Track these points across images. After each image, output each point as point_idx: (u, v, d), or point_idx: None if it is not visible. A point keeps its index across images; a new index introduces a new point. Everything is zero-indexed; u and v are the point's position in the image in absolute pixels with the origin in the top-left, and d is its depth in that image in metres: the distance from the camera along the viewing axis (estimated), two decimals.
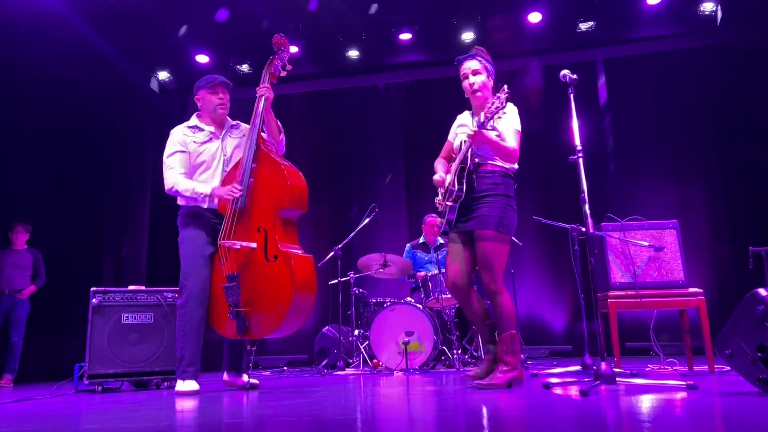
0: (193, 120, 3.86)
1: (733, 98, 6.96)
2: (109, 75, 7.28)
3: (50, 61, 6.82)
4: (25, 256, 6.45)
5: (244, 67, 7.53)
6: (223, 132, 3.86)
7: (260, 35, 7.13)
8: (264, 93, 3.73)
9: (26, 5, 6.04)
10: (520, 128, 3.29)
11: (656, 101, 7.20)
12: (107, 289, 4.40)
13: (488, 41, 6.97)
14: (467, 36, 7.11)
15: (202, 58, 7.45)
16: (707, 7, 6.69)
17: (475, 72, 3.33)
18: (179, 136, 3.77)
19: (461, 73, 3.38)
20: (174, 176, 3.67)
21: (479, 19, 6.98)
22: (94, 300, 4.29)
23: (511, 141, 3.22)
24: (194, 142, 3.77)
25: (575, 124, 3.14)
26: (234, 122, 3.96)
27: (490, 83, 3.37)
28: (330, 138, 8.01)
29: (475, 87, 3.32)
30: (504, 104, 3.01)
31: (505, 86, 3.03)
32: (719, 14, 6.72)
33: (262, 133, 3.81)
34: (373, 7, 6.81)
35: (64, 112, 7.44)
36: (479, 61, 3.34)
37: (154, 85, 7.89)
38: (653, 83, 7.23)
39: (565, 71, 3.19)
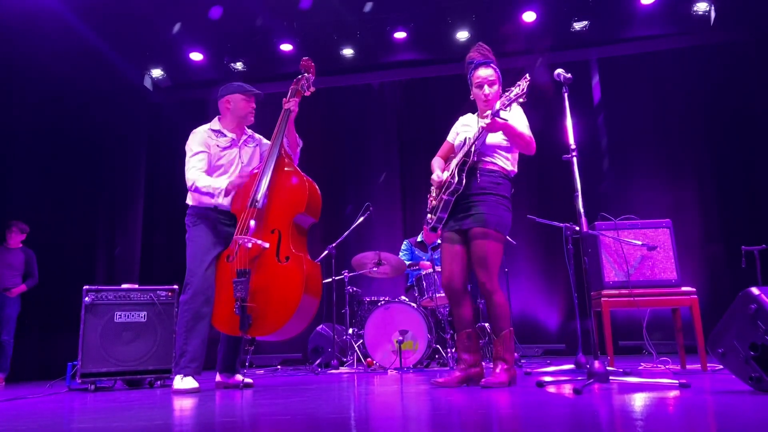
0: (216, 124, 3.91)
1: (726, 97, 7.00)
2: (103, 73, 7.26)
3: (43, 58, 6.78)
4: (18, 255, 6.40)
5: (238, 65, 7.52)
6: (241, 141, 3.94)
7: (254, 33, 7.12)
8: (291, 107, 3.87)
9: (19, 3, 6.00)
10: (528, 125, 3.30)
11: (650, 100, 7.22)
12: (100, 287, 4.38)
13: (483, 40, 6.97)
14: (462, 35, 7.11)
15: (196, 56, 7.43)
16: (701, 7, 6.71)
17: (492, 83, 3.28)
18: (203, 137, 3.82)
19: (475, 81, 3.31)
20: (195, 174, 3.71)
21: (474, 18, 6.98)
22: (87, 298, 4.27)
23: (527, 132, 3.21)
24: (217, 145, 3.84)
25: (569, 123, 3.14)
26: (250, 132, 4.04)
27: (500, 90, 3.32)
28: (324, 136, 7.99)
29: (490, 98, 3.28)
30: (525, 92, 2.96)
31: (527, 74, 2.99)
32: (713, 14, 6.74)
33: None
34: (368, 6, 6.80)
35: (57, 109, 7.40)
36: (494, 69, 3.31)
37: (147, 83, 7.86)
38: (647, 83, 7.26)
39: (560, 70, 3.18)
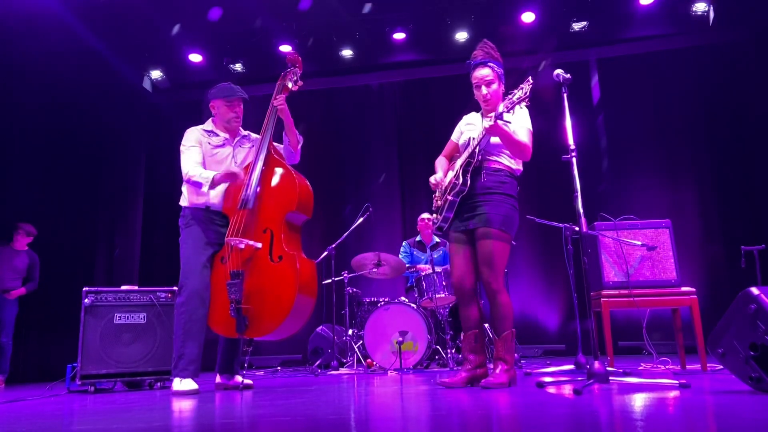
0: (209, 125, 3.92)
1: (725, 98, 7.00)
2: (102, 74, 7.25)
3: (43, 60, 6.78)
4: (23, 258, 6.35)
5: (237, 66, 7.52)
6: (235, 141, 3.93)
7: (253, 34, 7.11)
8: (277, 104, 3.84)
9: (17, 3, 5.99)
10: (531, 128, 3.27)
11: (649, 101, 7.23)
12: (100, 289, 4.38)
13: (481, 41, 6.98)
14: (461, 36, 7.11)
15: (196, 57, 7.43)
16: (699, 8, 6.72)
17: (489, 83, 3.27)
18: (196, 136, 3.83)
19: (474, 82, 3.32)
20: (189, 165, 3.70)
21: (473, 18, 6.98)
22: (86, 300, 4.26)
23: (525, 137, 3.19)
24: (209, 144, 3.83)
25: (568, 123, 3.14)
26: (245, 132, 4.01)
27: (501, 89, 3.32)
28: (323, 137, 7.99)
29: (488, 98, 3.28)
30: (528, 95, 2.98)
31: (530, 77, 3.00)
32: (711, 14, 6.75)
33: (275, 143, 3.92)
34: (367, 7, 6.80)
35: (56, 111, 7.40)
36: (491, 68, 3.28)
37: (147, 85, 7.85)
38: (646, 83, 7.26)
39: (559, 71, 3.18)
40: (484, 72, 3.29)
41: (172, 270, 3.73)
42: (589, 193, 3.28)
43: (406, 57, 7.61)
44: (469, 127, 3.42)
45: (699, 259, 6.71)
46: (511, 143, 3.14)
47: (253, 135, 4.06)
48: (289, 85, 3.92)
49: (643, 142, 7.16)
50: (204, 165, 3.77)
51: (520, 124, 3.23)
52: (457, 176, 3.22)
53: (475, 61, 3.33)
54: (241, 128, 3.98)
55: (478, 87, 3.30)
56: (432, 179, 3.40)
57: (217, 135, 3.87)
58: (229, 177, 3.65)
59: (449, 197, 3.25)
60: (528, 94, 2.98)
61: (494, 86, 3.28)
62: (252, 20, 6.95)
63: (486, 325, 5.15)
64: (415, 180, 7.63)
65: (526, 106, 3.12)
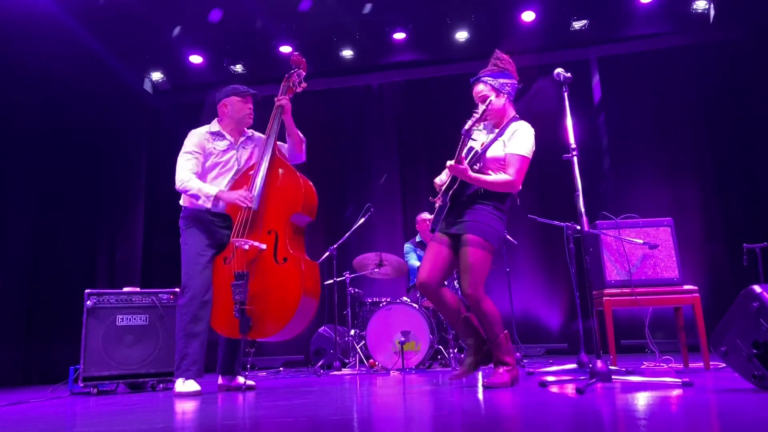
0: (215, 126, 3.89)
1: (726, 96, 6.99)
2: (102, 76, 7.25)
3: (43, 62, 6.78)
4: None
5: (238, 68, 7.51)
6: (239, 143, 3.91)
7: (254, 35, 7.12)
8: (282, 103, 3.84)
9: (15, 5, 6.00)
10: (529, 152, 3.21)
11: (650, 99, 7.21)
12: (102, 291, 4.39)
13: (482, 40, 6.98)
14: (461, 35, 7.10)
15: (196, 59, 7.43)
16: (700, 5, 6.70)
17: (483, 98, 3.27)
18: (200, 139, 3.80)
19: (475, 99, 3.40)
20: (186, 174, 3.68)
21: (473, 18, 6.97)
22: (88, 302, 4.27)
23: (510, 169, 3.16)
24: (214, 148, 3.81)
25: (569, 122, 3.14)
26: (249, 133, 4.00)
27: (501, 100, 3.31)
28: (324, 138, 7.97)
29: (486, 115, 3.28)
30: (482, 117, 3.11)
31: (491, 98, 3.14)
32: (712, 12, 6.74)
33: (278, 142, 3.91)
34: (367, 7, 6.80)
35: (56, 113, 7.40)
36: (484, 82, 3.32)
37: (147, 86, 7.85)
38: (647, 81, 7.25)
39: (559, 70, 3.19)
40: (478, 88, 3.36)
41: (174, 272, 3.74)
42: (590, 192, 3.27)
43: (406, 57, 7.59)
44: (477, 134, 3.43)
45: (701, 258, 6.69)
46: (482, 185, 3.16)
47: (257, 134, 4.04)
48: (294, 87, 3.94)
49: (644, 141, 7.14)
50: (205, 170, 3.76)
51: (514, 149, 3.20)
52: (449, 178, 3.27)
53: (473, 79, 3.40)
54: (245, 128, 3.97)
55: (477, 103, 3.34)
56: (436, 179, 3.43)
57: (224, 138, 3.85)
58: (231, 202, 3.65)
59: (446, 200, 3.28)
60: (482, 116, 3.10)
61: (490, 99, 3.24)
62: (252, 21, 6.95)
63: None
64: (415, 180, 7.61)
65: (532, 121, 3.15)
